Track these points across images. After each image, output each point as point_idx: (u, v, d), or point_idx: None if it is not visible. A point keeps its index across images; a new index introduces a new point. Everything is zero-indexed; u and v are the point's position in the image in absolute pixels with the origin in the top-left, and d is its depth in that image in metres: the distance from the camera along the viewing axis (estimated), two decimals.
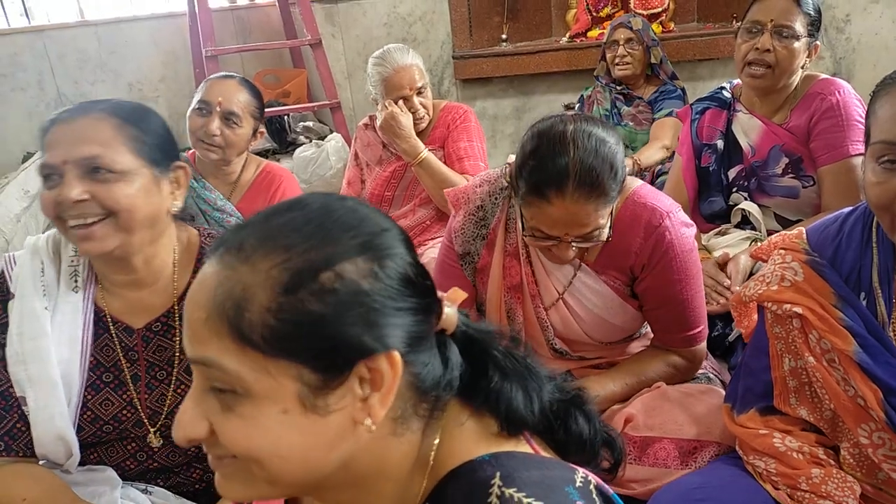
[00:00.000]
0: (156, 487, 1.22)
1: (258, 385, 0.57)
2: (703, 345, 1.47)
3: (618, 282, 1.42)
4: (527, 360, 0.70)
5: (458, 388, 0.67)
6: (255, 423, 0.58)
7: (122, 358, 1.17)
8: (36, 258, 1.16)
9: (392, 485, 0.65)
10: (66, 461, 1.15)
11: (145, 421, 1.18)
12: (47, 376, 1.10)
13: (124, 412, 1.17)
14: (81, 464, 1.19)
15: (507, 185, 1.46)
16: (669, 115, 2.72)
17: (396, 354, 0.59)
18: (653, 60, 2.88)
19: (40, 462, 1.16)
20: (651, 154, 2.65)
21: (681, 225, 1.37)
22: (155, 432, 1.19)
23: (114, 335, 1.17)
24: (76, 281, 1.16)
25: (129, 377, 1.17)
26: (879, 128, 0.99)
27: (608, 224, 1.28)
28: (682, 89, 2.89)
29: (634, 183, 1.41)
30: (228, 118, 1.94)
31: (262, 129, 2.09)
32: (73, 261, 1.17)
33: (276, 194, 2.05)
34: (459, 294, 0.68)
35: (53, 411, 1.10)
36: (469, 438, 0.66)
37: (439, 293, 0.67)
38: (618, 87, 2.92)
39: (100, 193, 1.05)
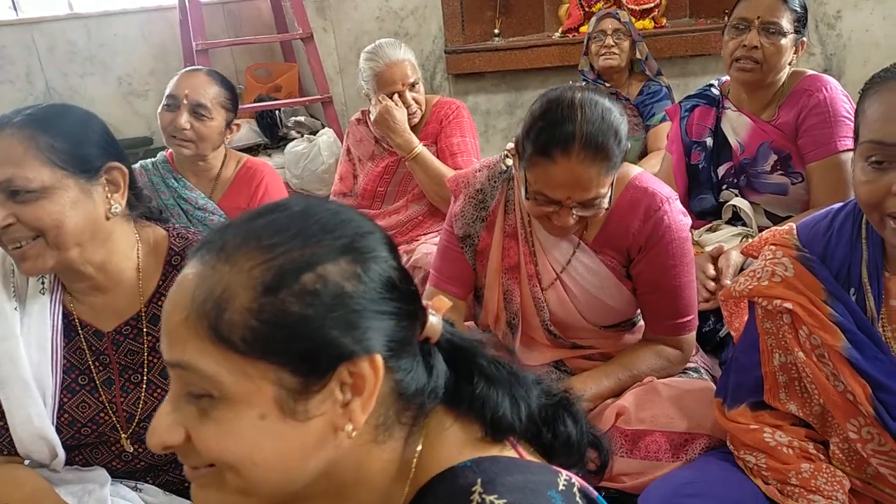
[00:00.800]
0: (146, 485, 1.21)
1: (236, 388, 0.57)
2: (693, 335, 1.48)
3: (614, 262, 1.43)
4: (512, 367, 0.70)
5: (444, 395, 0.67)
6: (232, 428, 0.57)
7: (91, 362, 1.15)
8: (7, 260, 1.13)
9: (372, 493, 0.64)
10: (52, 461, 1.14)
11: (118, 425, 1.17)
12: (19, 377, 1.09)
13: (101, 415, 1.16)
14: (68, 464, 1.18)
15: (506, 168, 1.50)
16: (663, 119, 2.61)
17: (378, 357, 0.59)
18: (639, 56, 2.80)
19: (25, 462, 1.15)
20: (654, 165, 2.48)
21: (679, 212, 1.41)
22: (127, 438, 1.18)
23: (83, 339, 1.15)
24: (43, 283, 1.14)
25: (100, 381, 1.15)
26: (868, 127, 0.99)
27: (609, 194, 1.30)
28: (668, 87, 2.82)
29: (634, 169, 1.44)
30: (197, 111, 1.90)
31: (238, 122, 2.06)
32: None
33: (258, 189, 2.02)
34: (444, 302, 0.68)
35: (30, 411, 1.09)
36: (453, 445, 0.65)
37: (424, 301, 0.67)
38: (606, 85, 2.82)
39: (23, 215, 1.00)
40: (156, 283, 1.15)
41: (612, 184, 1.30)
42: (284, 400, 0.57)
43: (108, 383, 1.16)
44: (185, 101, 1.90)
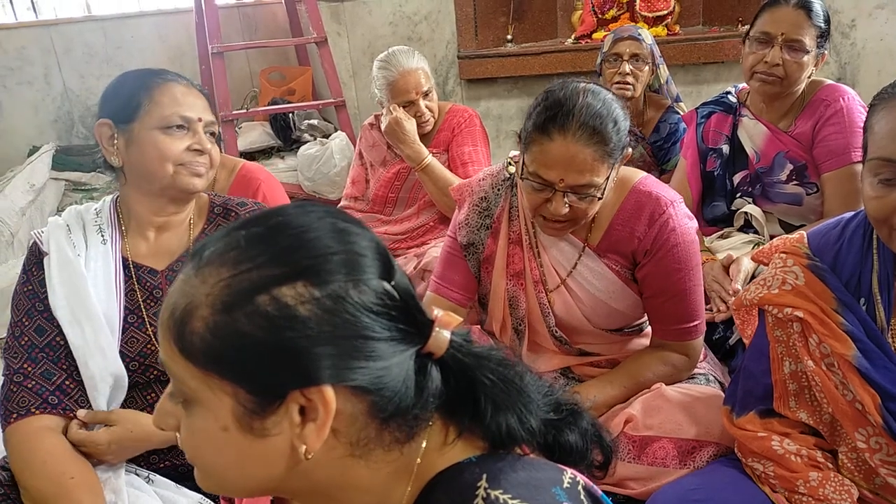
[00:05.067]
0: (157, 476, 1.25)
1: (200, 395, 0.58)
2: (700, 340, 1.48)
3: (619, 265, 1.44)
4: (521, 382, 0.67)
5: (448, 408, 0.65)
6: (199, 433, 0.60)
7: (142, 301, 1.29)
8: (61, 223, 1.29)
9: (366, 496, 0.64)
10: (112, 405, 1.23)
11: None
12: (89, 312, 1.21)
13: (148, 347, 1.27)
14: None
15: (509, 176, 1.52)
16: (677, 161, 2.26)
17: (328, 390, 0.56)
18: (660, 80, 2.45)
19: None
20: None
21: (684, 216, 1.41)
22: None
23: (136, 280, 1.30)
24: (102, 235, 1.29)
25: (149, 315, 1.29)
26: (876, 144, 1.00)
27: (603, 187, 1.30)
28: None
29: (638, 174, 1.44)
30: None
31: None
32: (96, 219, 1.30)
33: (255, 196, 1.96)
34: (453, 318, 0.65)
35: (102, 343, 1.20)
36: (457, 451, 0.65)
37: (435, 312, 0.65)
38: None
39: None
40: (202, 226, 1.36)
41: (608, 178, 1.30)
42: (242, 415, 0.57)
43: (157, 315, 1.26)
44: None
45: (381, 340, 0.59)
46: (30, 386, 1.18)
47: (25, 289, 1.25)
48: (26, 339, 1.21)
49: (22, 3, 3.85)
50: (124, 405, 1.27)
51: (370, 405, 0.60)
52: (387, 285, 0.61)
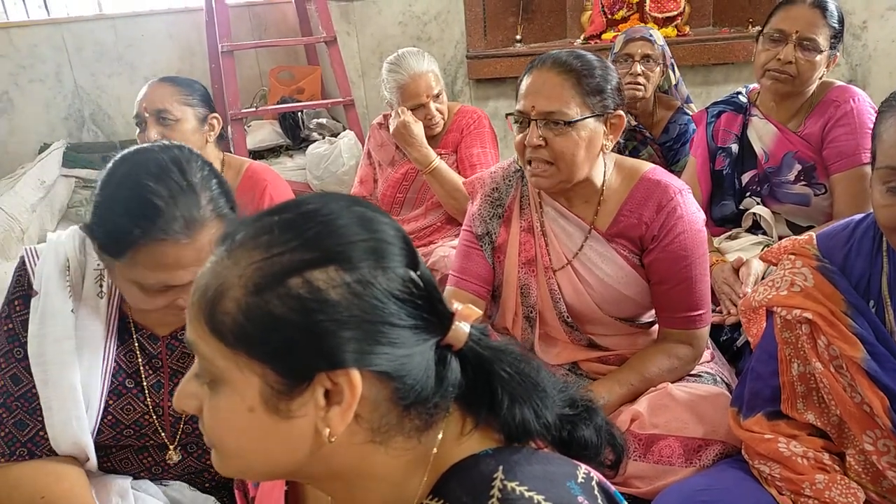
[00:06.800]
0: (172, 481, 1.22)
1: (228, 375, 0.59)
2: (705, 331, 1.48)
3: (628, 250, 1.46)
4: (537, 377, 0.68)
5: (465, 399, 0.66)
6: (225, 415, 0.60)
7: (142, 365, 1.16)
8: (60, 256, 1.12)
9: (382, 483, 0.64)
10: (84, 464, 1.14)
11: (160, 430, 1.18)
12: (67, 381, 1.08)
13: (145, 418, 1.17)
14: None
15: (519, 168, 1.56)
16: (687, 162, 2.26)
17: (355, 373, 0.57)
18: (672, 81, 2.44)
19: None
20: None
21: (692, 204, 1.44)
22: (175, 447, 1.19)
23: (137, 342, 1.16)
24: (101, 286, 1.13)
25: (149, 384, 1.16)
26: (884, 153, 1.00)
27: (576, 121, 1.35)
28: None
29: (648, 165, 1.48)
30: (160, 117, 1.83)
31: (215, 116, 1.93)
32: (98, 264, 1.12)
33: (262, 197, 1.94)
34: (473, 311, 0.66)
35: (70, 415, 1.08)
36: (473, 442, 0.66)
37: (455, 305, 0.66)
38: (633, 122, 2.34)
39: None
40: None
41: (583, 118, 1.34)
42: (269, 396, 0.58)
43: (157, 387, 1.17)
44: (146, 115, 1.83)
45: (406, 328, 0.60)
46: (2, 435, 1.09)
47: (6, 327, 1.10)
48: (1, 383, 1.10)
49: (34, 1, 3.87)
50: (119, 465, 1.20)
51: (392, 392, 0.61)
52: (412, 274, 0.62)
